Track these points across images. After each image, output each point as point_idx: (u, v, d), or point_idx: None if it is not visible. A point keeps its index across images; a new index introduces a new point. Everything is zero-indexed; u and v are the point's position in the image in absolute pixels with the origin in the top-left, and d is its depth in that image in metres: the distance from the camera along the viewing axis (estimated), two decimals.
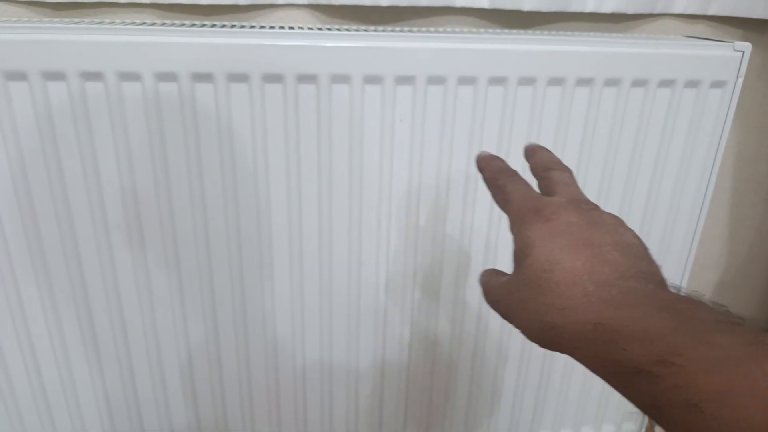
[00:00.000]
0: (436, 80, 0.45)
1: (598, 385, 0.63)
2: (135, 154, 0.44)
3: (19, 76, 0.41)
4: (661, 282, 0.22)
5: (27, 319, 0.49)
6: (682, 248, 0.58)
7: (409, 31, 0.50)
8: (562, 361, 0.60)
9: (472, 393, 0.60)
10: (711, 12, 0.56)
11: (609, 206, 0.53)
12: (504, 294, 0.24)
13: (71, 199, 0.45)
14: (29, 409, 0.53)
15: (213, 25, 0.47)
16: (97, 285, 0.48)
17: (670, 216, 0.56)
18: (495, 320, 0.56)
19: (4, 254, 0.46)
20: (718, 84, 0.50)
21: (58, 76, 0.41)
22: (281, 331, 0.53)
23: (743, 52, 0.50)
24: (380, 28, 0.53)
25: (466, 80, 0.46)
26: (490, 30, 0.55)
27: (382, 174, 0.48)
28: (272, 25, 0.51)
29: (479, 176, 0.49)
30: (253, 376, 0.54)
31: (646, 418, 0.68)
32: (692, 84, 0.49)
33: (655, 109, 0.50)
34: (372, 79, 0.44)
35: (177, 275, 0.49)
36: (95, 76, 0.41)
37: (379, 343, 0.55)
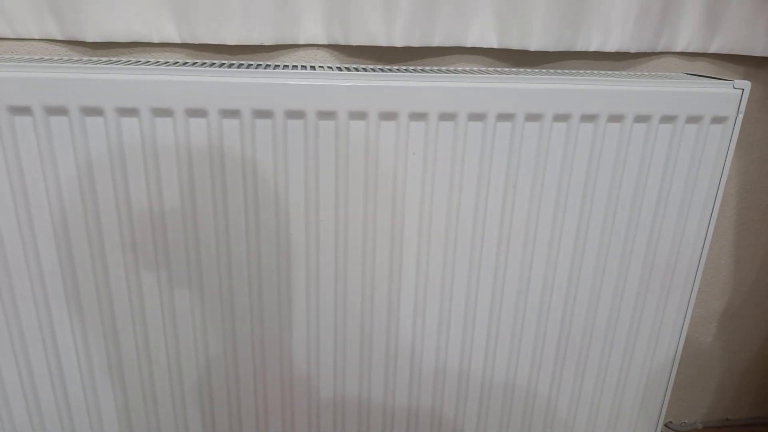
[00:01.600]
0: (448, 117, 0.48)
1: (605, 410, 0.64)
2: (165, 183, 0.47)
3: (60, 111, 0.44)
4: None
5: (55, 334, 0.51)
6: (686, 278, 0.59)
7: (422, 70, 0.53)
8: (572, 372, 0.61)
9: (480, 420, 0.61)
10: (712, 50, 0.59)
11: (614, 238, 0.55)
12: None
13: (103, 223, 0.48)
14: (53, 421, 0.55)
15: (240, 65, 0.50)
16: (124, 307, 0.51)
17: (674, 246, 0.57)
18: (502, 349, 0.58)
19: (36, 272, 0.49)
20: (719, 120, 0.52)
21: (96, 111, 0.44)
22: (297, 360, 0.55)
23: (743, 89, 0.52)
24: (395, 66, 0.56)
25: (475, 117, 0.48)
26: (499, 68, 0.58)
27: (395, 204, 0.50)
28: (294, 63, 0.54)
29: (488, 207, 0.51)
30: (269, 405, 0.56)
31: None
32: (694, 120, 0.52)
33: (658, 144, 0.52)
34: (387, 116, 0.47)
35: (200, 303, 0.51)
36: (131, 111, 0.44)
37: (390, 375, 0.57)
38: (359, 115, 0.47)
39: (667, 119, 0.51)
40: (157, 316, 0.51)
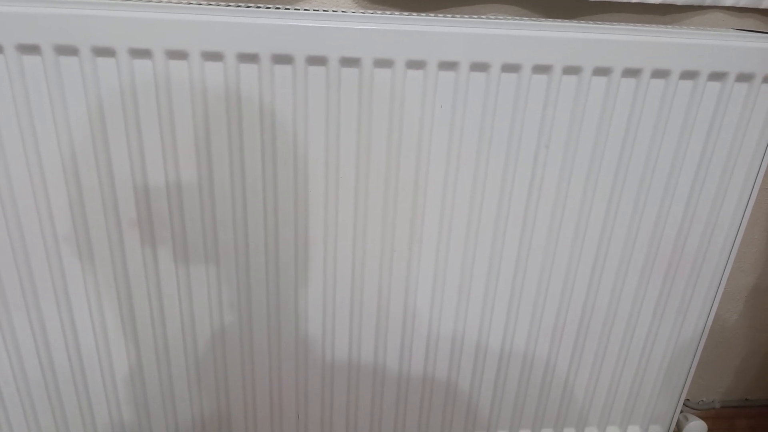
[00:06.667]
0: (479, 67, 0.45)
1: (626, 385, 0.62)
2: (179, 130, 0.45)
3: (71, 51, 0.42)
4: None
5: (67, 287, 0.50)
6: (721, 252, 0.56)
7: (452, 17, 0.49)
8: (591, 359, 0.59)
9: (496, 392, 0.60)
10: (764, 5, 0.55)
11: (649, 203, 0.52)
12: None
13: (115, 172, 0.46)
14: (65, 378, 0.54)
15: (258, 7, 0.47)
16: (137, 262, 0.49)
17: (711, 216, 0.54)
18: (523, 320, 0.56)
19: (51, 238, 0.47)
20: None
21: (107, 52, 0.42)
22: (312, 322, 0.53)
23: None
24: (423, 14, 0.52)
25: (509, 68, 0.45)
26: (534, 18, 0.55)
27: (419, 161, 0.48)
28: (315, 8, 0.51)
29: (517, 167, 0.49)
30: (283, 367, 0.55)
31: (674, 422, 0.67)
32: (744, 78, 0.48)
33: (704, 103, 0.49)
34: (415, 64, 0.44)
35: (215, 260, 0.49)
36: (144, 53, 0.42)
37: (406, 344, 0.55)
38: (385, 63, 0.44)
39: (716, 76, 0.48)
40: (171, 271, 0.50)
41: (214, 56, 0.42)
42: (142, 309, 0.51)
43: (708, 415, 0.83)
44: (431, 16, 0.48)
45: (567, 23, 0.51)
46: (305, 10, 0.47)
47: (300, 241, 0.50)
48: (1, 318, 0.50)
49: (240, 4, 0.49)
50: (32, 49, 0.41)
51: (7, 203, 0.46)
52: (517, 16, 0.55)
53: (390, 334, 0.55)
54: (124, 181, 0.46)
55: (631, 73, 0.46)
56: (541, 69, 0.45)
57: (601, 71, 0.46)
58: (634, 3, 0.53)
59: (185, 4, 0.47)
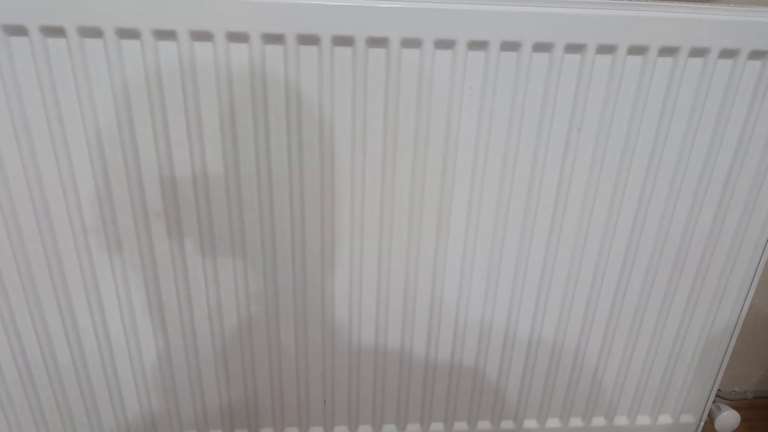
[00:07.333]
0: (510, 46, 0.43)
1: (657, 374, 0.61)
2: (204, 113, 0.44)
3: (95, 33, 0.41)
4: None
5: (96, 273, 0.50)
6: (759, 237, 0.54)
7: None
8: (621, 347, 0.58)
9: (524, 381, 0.59)
10: None
11: (684, 187, 0.51)
12: None
13: (141, 156, 0.45)
14: (98, 373, 0.54)
15: None
16: (166, 263, 0.49)
17: (750, 200, 0.52)
18: (552, 307, 0.55)
19: (79, 227, 0.47)
20: None
21: (132, 34, 0.41)
22: (339, 309, 0.53)
23: None
24: None
25: (541, 47, 0.44)
26: None
27: (447, 144, 0.46)
28: None
29: (548, 151, 0.47)
30: (310, 360, 0.55)
31: (706, 411, 0.65)
32: None
33: (743, 83, 0.47)
34: (444, 44, 0.43)
35: (241, 247, 0.49)
36: (168, 34, 0.41)
37: (434, 331, 0.54)
38: (413, 43, 0.42)
39: (757, 55, 0.46)
40: (197, 258, 0.50)
41: (239, 37, 0.42)
42: (170, 298, 0.51)
43: (741, 405, 0.81)
44: None
45: (601, 0, 0.49)
46: None
47: (326, 227, 0.49)
48: (31, 307, 0.50)
49: None
50: (57, 32, 0.41)
51: (36, 192, 0.46)
52: None
53: (417, 321, 0.54)
54: (150, 167, 0.46)
55: (668, 51, 0.45)
56: (574, 48, 0.44)
57: (637, 50, 0.44)
58: None
59: None
